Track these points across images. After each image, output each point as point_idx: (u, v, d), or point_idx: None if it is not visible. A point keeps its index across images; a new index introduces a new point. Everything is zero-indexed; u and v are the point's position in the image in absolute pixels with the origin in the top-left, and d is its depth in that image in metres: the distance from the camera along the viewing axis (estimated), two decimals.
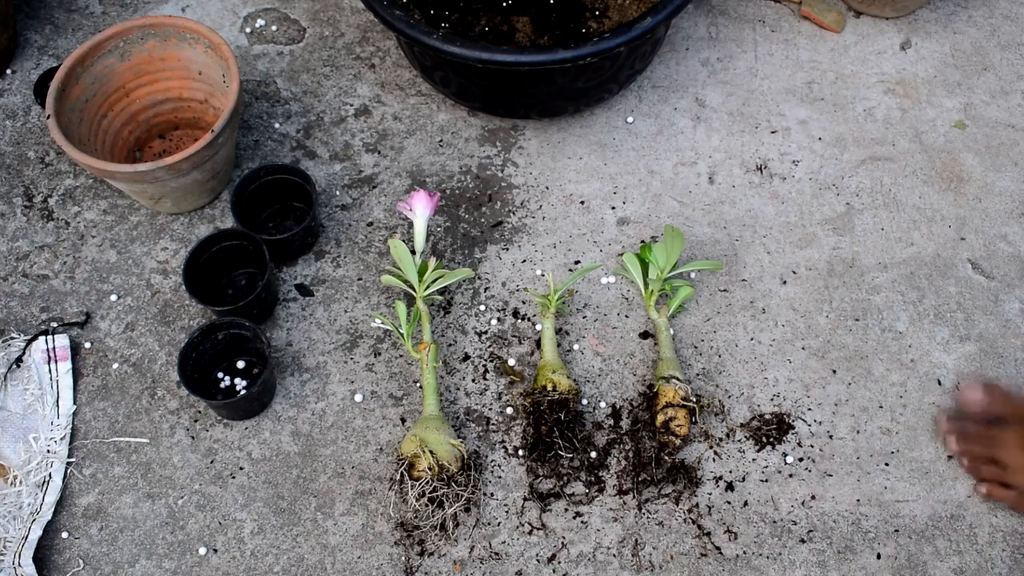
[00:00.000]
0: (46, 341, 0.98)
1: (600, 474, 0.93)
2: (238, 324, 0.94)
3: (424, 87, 1.20)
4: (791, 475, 0.93)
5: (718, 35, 1.25)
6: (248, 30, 1.25)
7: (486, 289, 1.04)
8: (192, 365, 0.93)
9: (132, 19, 1.05)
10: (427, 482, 0.85)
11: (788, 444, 0.95)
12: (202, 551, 0.89)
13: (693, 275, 1.05)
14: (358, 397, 0.97)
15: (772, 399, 0.97)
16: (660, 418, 0.92)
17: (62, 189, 1.11)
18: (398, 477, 0.87)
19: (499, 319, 1.02)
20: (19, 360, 0.97)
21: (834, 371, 0.99)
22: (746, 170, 1.13)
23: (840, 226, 1.09)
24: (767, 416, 0.96)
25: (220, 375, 0.96)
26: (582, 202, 1.10)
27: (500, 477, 0.93)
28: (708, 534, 0.90)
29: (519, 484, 0.92)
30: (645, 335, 1.01)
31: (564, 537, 0.90)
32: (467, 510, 0.91)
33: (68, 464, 0.93)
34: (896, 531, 0.90)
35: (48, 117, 0.97)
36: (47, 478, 0.91)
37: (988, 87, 1.20)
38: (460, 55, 0.94)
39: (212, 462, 0.94)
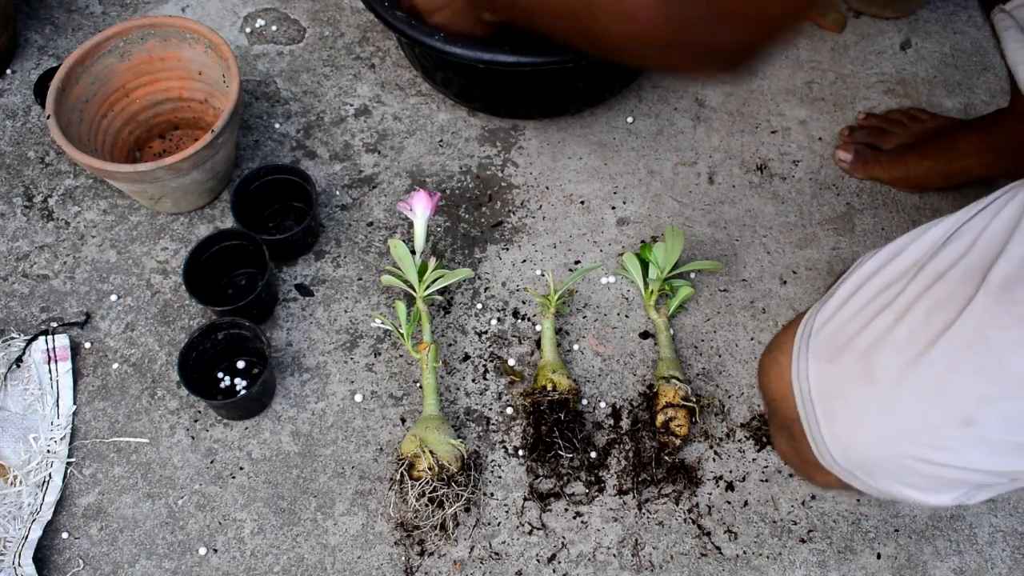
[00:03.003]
0: (46, 341, 0.98)
1: (600, 474, 0.93)
2: (238, 324, 0.94)
3: (424, 87, 1.20)
4: (791, 475, 0.93)
5: None
6: (248, 30, 1.25)
7: (486, 289, 1.04)
8: (192, 365, 0.92)
9: (132, 19, 1.05)
10: (427, 482, 0.85)
11: None
12: (202, 551, 0.89)
13: (693, 275, 1.05)
14: (358, 397, 0.97)
15: None
16: (660, 418, 0.92)
17: (62, 189, 1.11)
18: (398, 477, 0.87)
19: (499, 319, 1.02)
20: (19, 360, 0.97)
21: None
22: (746, 170, 1.13)
23: (840, 226, 1.09)
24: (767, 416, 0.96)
25: (220, 375, 0.96)
26: (582, 202, 1.11)
27: (500, 477, 0.93)
28: (708, 534, 0.90)
29: (519, 484, 0.92)
30: (645, 335, 1.01)
31: (564, 537, 0.90)
32: (467, 510, 0.91)
33: (68, 464, 0.93)
34: (896, 531, 0.91)
35: (48, 117, 0.97)
36: (47, 478, 0.91)
37: (988, 87, 1.20)
38: (462, 56, 0.94)
39: (212, 462, 0.94)
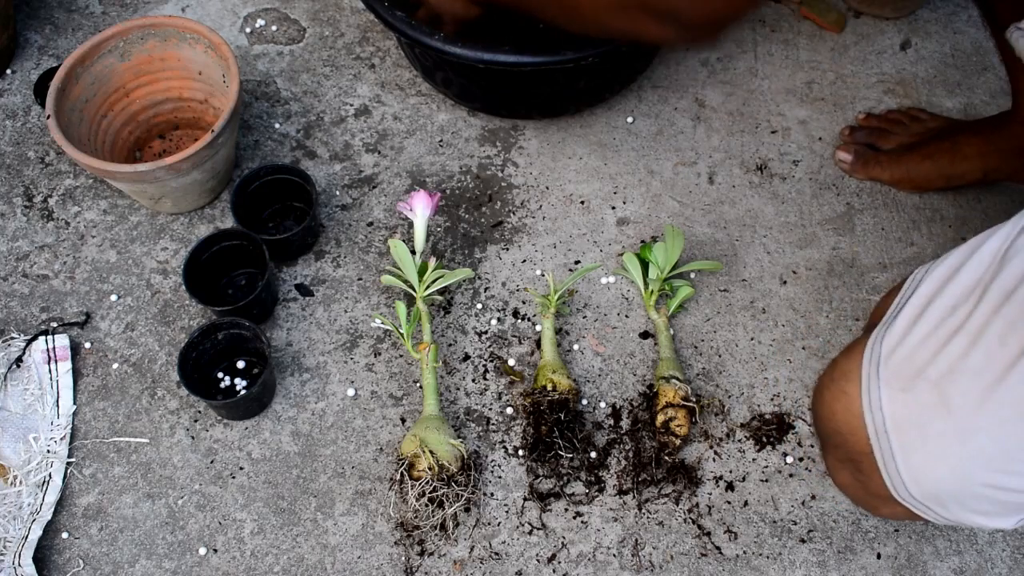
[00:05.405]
0: (46, 341, 0.98)
1: (600, 474, 0.93)
2: (238, 324, 0.94)
3: (424, 87, 1.20)
4: (791, 475, 0.93)
5: None
6: (248, 30, 1.25)
7: (486, 289, 1.04)
8: (192, 365, 0.93)
9: (132, 19, 1.05)
10: (427, 482, 0.85)
11: (788, 444, 0.95)
12: (202, 551, 0.89)
13: (693, 275, 1.05)
14: (358, 397, 0.97)
15: (772, 399, 0.97)
16: (660, 418, 0.92)
17: (62, 189, 1.11)
18: (398, 477, 0.87)
19: (499, 319, 1.02)
20: (19, 360, 0.97)
21: None
22: (746, 170, 1.13)
23: (840, 226, 1.09)
24: (767, 416, 0.96)
25: (220, 375, 0.96)
26: (582, 202, 1.11)
27: (500, 477, 0.93)
28: (708, 534, 0.90)
29: (519, 484, 0.92)
30: (645, 335, 1.01)
31: (564, 537, 0.90)
32: (467, 510, 0.91)
33: (68, 464, 0.93)
34: (896, 531, 0.91)
35: (48, 117, 0.97)
36: (47, 478, 0.91)
37: (988, 87, 1.20)
38: (462, 56, 0.94)
39: (212, 462, 0.94)
